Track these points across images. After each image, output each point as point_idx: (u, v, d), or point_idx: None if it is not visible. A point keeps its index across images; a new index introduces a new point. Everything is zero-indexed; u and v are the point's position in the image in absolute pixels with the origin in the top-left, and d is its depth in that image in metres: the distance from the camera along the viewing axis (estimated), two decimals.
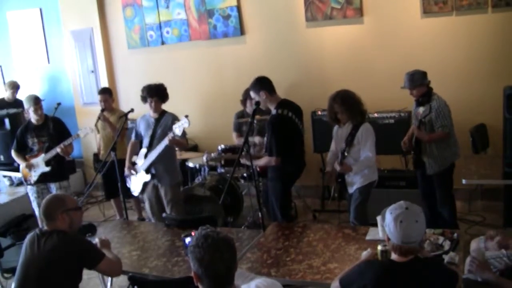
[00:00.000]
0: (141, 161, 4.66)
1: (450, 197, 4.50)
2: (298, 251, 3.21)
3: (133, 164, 4.73)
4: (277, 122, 4.19)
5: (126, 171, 4.72)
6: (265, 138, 4.37)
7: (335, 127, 4.17)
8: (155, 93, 4.56)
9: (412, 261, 2.27)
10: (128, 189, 4.81)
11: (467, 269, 2.85)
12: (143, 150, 4.68)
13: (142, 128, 4.72)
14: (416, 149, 4.42)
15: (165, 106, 4.73)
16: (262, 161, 4.33)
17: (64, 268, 2.76)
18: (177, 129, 4.27)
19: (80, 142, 7.07)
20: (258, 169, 4.66)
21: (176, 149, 4.85)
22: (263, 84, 4.23)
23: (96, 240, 3.17)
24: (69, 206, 2.91)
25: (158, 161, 4.54)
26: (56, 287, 2.77)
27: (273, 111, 4.22)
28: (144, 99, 4.61)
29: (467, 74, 5.32)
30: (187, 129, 4.37)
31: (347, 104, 3.94)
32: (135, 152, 4.80)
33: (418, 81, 4.29)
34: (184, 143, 4.69)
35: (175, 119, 4.53)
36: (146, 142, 4.67)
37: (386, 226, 2.29)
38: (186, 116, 4.27)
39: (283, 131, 4.20)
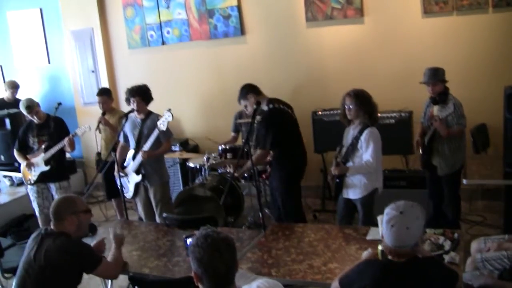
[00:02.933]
0: (130, 163, 4.67)
1: (456, 198, 4.51)
2: (298, 251, 3.21)
3: (124, 167, 4.73)
4: (270, 116, 4.24)
5: (116, 174, 4.68)
6: (254, 133, 4.34)
7: (346, 128, 4.04)
8: (136, 93, 4.59)
9: (411, 261, 2.27)
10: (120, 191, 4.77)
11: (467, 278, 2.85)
12: (131, 152, 4.68)
13: (127, 128, 4.72)
14: (427, 150, 4.40)
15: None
16: (253, 157, 4.19)
17: (62, 271, 2.78)
18: (162, 125, 4.32)
19: (80, 142, 7.07)
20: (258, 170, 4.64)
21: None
22: (248, 88, 4.36)
23: (111, 234, 3.22)
24: (79, 208, 2.94)
25: (145, 161, 4.55)
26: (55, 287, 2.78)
27: (265, 108, 4.24)
28: (127, 100, 4.65)
29: (467, 74, 5.31)
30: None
31: (358, 99, 3.80)
32: (126, 154, 4.80)
33: (441, 76, 4.28)
34: (163, 150, 4.66)
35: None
36: (132, 143, 4.68)
37: (381, 226, 2.31)
38: (169, 110, 4.29)
39: (278, 124, 4.24)
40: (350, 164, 3.87)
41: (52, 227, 2.91)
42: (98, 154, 5.85)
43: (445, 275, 2.29)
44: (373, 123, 3.86)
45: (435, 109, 4.33)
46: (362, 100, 3.81)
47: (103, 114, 5.49)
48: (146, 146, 4.48)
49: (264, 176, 5.15)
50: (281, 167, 4.31)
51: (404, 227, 2.22)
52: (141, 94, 4.61)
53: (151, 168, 4.63)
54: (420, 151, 4.47)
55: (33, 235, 2.92)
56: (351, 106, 3.83)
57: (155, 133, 4.43)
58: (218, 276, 1.94)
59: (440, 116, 4.27)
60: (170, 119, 4.29)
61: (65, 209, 2.89)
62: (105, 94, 5.67)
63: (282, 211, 4.45)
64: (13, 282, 3.03)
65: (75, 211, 2.90)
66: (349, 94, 3.86)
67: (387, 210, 2.30)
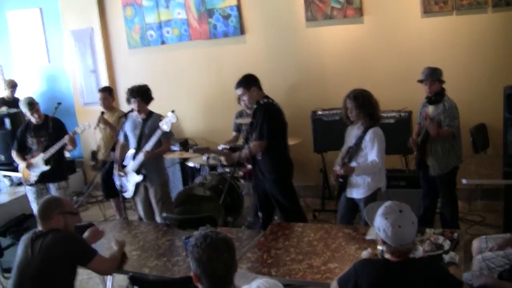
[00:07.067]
0: (130, 162, 4.66)
1: (452, 198, 4.49)
2: (298, 250, 3.21)
3: (123, 166, 4.72)
4: (269, 108, 4.17)
5: (116, 173, 4.67)
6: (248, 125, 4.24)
7: (349, 127, 4.02)
8: (137, 94, 4.59)
9: (406, 261, 2.27)
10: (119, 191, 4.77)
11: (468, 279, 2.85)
12: (131, 151, 4.68)
13: (128, 128, 4.72)
14: (420, 149, 4.40)
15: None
16: (248, 149, 4.15)
17: (58, 266, 2.80)
18: (165, 125, 4.32)
19: (80, 142, 7.07)
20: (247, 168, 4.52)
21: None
22: (254, 80, 4.24)
23: (112, 241, 3.28)
24: (66, 209, 2.97)
25: (146, 161, 4.55)
26: (52, 285, 2.80)
27: (261, 101, 4.18)
28: (128, 100, 4.65)
29: (467, 73, 5.32)
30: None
31: (358, 102, 3.79)
32: (125, 153, 4.79)
33: (439, 76, 4.26)
34: (163, 149, 4.67)
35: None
36: (133, 142, 4.68)
37: (381, 230, 2.26)
38: (173, 111, 4.28)
39: (276, 117, 4.19)
40: (354, 164, 3.84)
41: (40, 228, 2.93)
42: (93, 153, 5.84)
43: (443, 276, 2.27)
44: (376, 122, 3.85)
45: (430, 109, 4.32)
46: (362, 102, 3.80)
47: (102, 113, 5.50)
48: (148, 146, 4.48)
49: (242, 173, 5.08)
50: (275, 168, 4.22)
51: (410, 222, 2.24)
52: (142, 94, 4.61)
53: (152, 168, 4.63)
54: (414, 150, 4.47)
55: (23, 238, 2.94)
56: (352, 109, 3.82)
57: (158, 133, 4.43)
58: (217, 276, 1.95)
59: (430, 116, 4.26)
60: (174, 120, 4.29)
61: (52, 208, 2.92)
62: (107, 91, 5.72)
63: (281, 214, 4.40)
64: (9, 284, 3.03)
65: (62, 211, 2.93)
66: (349, 97, 3.85)
67: (384, 216, 2.26)
